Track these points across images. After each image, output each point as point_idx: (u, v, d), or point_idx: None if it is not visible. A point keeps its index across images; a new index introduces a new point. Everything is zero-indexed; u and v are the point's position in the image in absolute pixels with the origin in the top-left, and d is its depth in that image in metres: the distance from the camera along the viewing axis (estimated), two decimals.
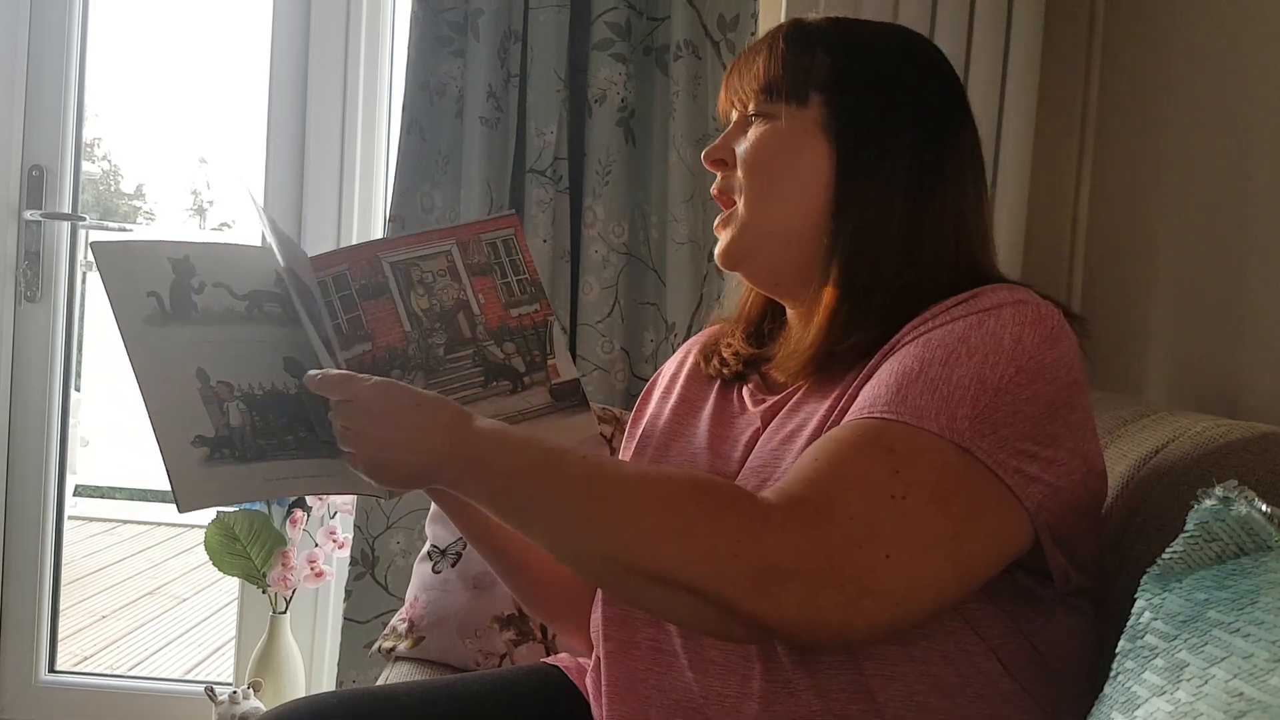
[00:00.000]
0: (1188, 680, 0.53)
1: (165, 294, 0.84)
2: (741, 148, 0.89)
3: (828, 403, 0.81)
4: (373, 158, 1.94)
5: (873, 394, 0.75)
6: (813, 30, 0.89)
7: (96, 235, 2.28)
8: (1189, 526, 0.60)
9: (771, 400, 0.88)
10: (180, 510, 0.79)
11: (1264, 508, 0.58)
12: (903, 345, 0.77)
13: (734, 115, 0.93)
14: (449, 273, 0.92)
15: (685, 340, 1.56)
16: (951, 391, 0.72)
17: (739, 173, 0.89)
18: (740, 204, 0.88)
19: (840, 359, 0.82)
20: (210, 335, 0.85)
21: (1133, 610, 0.61)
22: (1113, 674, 0.60)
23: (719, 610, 0.69)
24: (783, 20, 1.47)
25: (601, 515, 0.72)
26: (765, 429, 0.86)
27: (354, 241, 1.84)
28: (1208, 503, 0.60)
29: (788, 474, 0.73)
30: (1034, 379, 0.73)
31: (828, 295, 0.84)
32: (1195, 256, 1.25)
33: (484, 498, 0.78)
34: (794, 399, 0.86)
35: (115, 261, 0.84)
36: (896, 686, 0.74)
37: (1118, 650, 0.60)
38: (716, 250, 0.91)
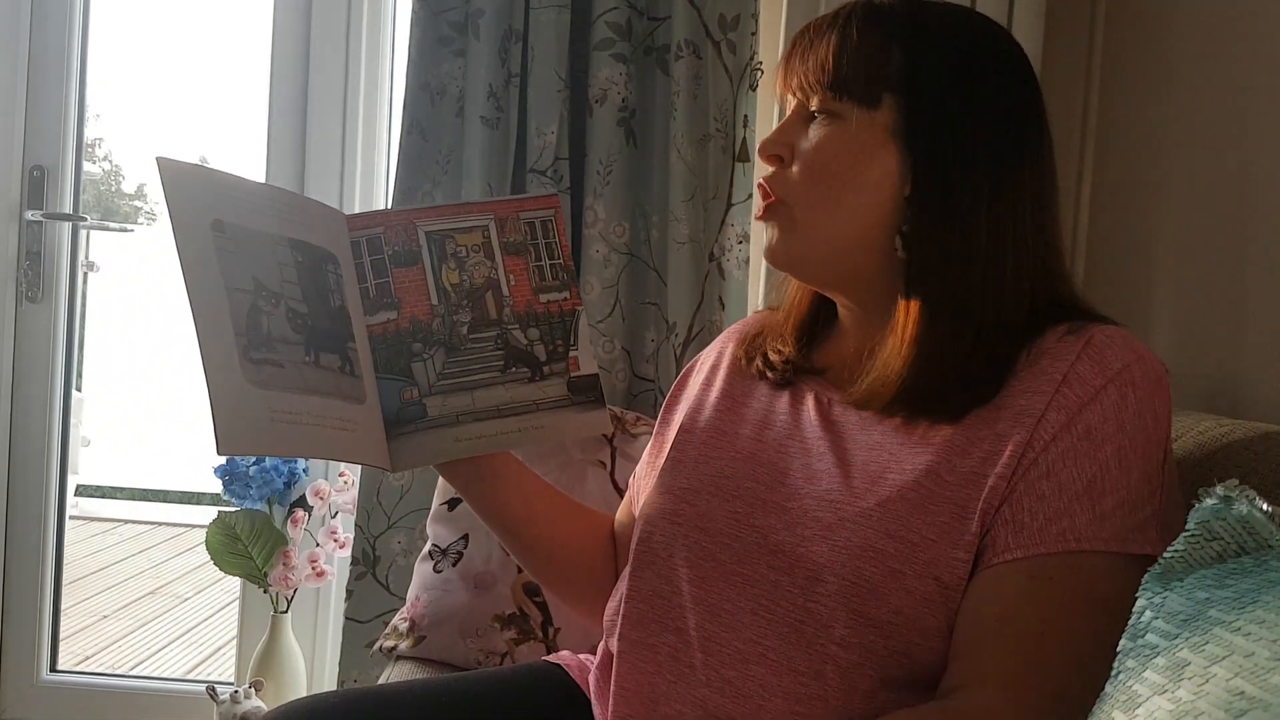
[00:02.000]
0: (1189, 679, 0.53)
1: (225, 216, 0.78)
2: (804, 147, 0.83)
3: (917, 441, 0.77)
4: (373, 158, 1.94)
5: (1066, 514, 0.71)
6: (887, 15, 0.82)
7: (98, 236, 2.28)
8: (1190, 525, 0.60)
9: (844, 424, 0.83)
10: (220, 450, 0.72)
11: (1265, 507, 0.58)
12: (1057, 434, 0.72)
13: (791, 102, 0.86)
14: (483, 249, 0.90)
15: (686, 339, 1.57)
16: (1137, 501, 0.71)
17: (795, 172, 0.83)
18: (795, 206, 0.83)
19: (930, 392, 0.77)
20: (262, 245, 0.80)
21: (1134, 609, 0.61)
22: (1114, 673, 0.60)
23: None
24: (783, 18, 1.48)
25: None
26: (840, 452, 0.81)
27: None
28: (1209, 502, 0.60)
29: (997, 642, 0.70)
30: (1169, 449, 0.75)
31: (911, 325, 0.79)
32: (1196, 256, 1.25)
33: None
34: (866, 422, 0.81)
35: (180, 178, 0.78)
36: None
37: (1119, 649, 0.60)
38: (765, 248, 0.86)
